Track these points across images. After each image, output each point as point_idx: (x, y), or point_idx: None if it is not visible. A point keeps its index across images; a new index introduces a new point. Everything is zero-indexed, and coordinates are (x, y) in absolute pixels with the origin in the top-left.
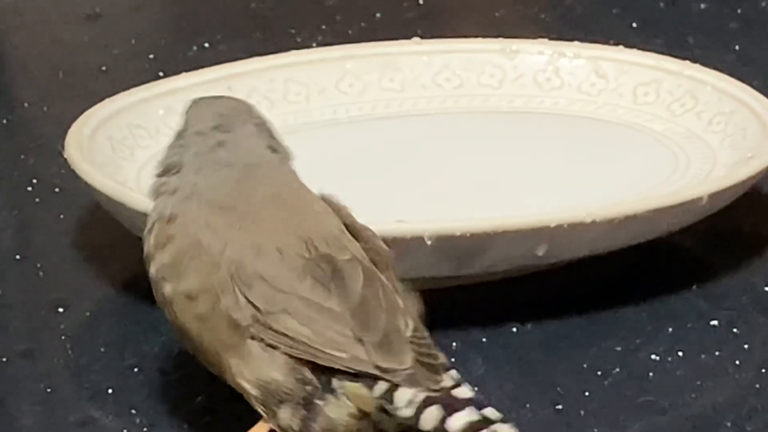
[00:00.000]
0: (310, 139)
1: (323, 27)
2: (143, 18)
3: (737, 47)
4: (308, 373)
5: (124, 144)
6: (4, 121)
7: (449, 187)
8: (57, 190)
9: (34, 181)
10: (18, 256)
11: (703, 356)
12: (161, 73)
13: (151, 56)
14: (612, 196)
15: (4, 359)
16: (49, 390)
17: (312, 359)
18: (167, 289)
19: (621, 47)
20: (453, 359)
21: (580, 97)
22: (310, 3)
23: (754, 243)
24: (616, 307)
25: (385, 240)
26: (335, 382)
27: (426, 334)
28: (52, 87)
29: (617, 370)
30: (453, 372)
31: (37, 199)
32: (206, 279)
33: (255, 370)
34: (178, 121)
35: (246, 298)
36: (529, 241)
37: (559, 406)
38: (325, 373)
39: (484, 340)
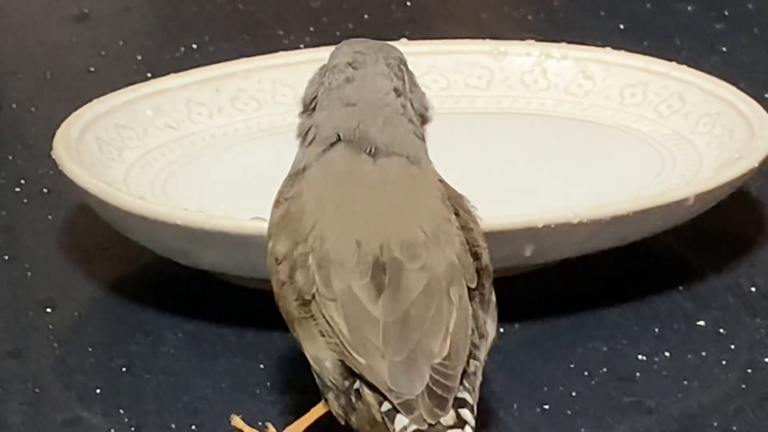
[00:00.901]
0: None
1: (311, 28)
2: (131, 19)
3: (724, 49)
4: (345, 368)
5: (112, 145)
6: None
7: None
8: (45, 190)
9: (22, 181)
10: (6, 257)
11: (689, 356)
12: (149, 74)
13: (139, 57)
14: (599, 197)
15: None
16: (37, 390)
17: (339, 356)
18: (268, 245)
19: (608, 49)
20: None
21: (567, 98)
22: (297, 4)
23: (741, 244)
24: (603, 307)
25: None
26: (358, 384)
27: (458, 364)
28: (39, 88)
29: (604, 370)
30: (465, 412)
31: (25, 200)
32: (292, 247)
33: (313, 348)
34: (165, 122)
35: (314, 274)
36: (516, 241)
37: (546, 406)
38: (355, 373)
39: None
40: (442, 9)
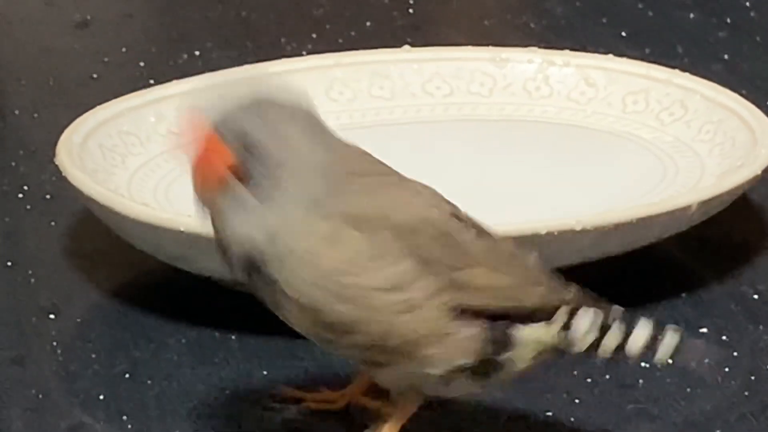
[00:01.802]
0: None
1: (313, 35)
2: (133, 26)
3: (726, 56)
4: (495, 331)
5: (115, 151)
6: None
7: None
8: (48, 197)
9: (25, 188)
10: (9, 263)
11: (692, 363)
12: (152, 81)
13: (142, 64)
14: (601, 205)
15: None
16: (40, 396)
17: (514, 307)
18: (351, 283)
19: (610, 56)
20: None
21: (570, 105)
22: (299, 11)
23: (743, 251)
24: None
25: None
26: (515, 333)
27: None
28: (42, 94)
29: (607, 377)
30: None
31: (27, 206)
32: (399, 264)
33: (449, 350)
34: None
35: (438, 263)
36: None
37: (549, 413)
38: (506, 327)
39: None
40: (444, 16)
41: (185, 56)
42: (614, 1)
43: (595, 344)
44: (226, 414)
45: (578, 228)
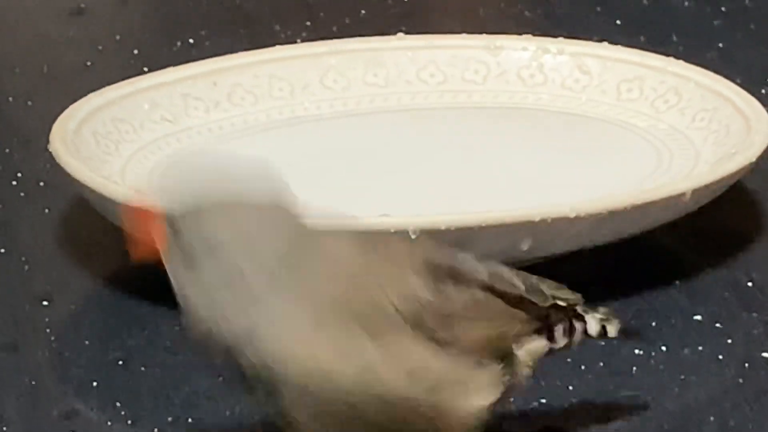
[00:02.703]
0: (295, 135)
1: (307, 23)
2: (128, 13)
3: (720, 45)
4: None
5: (108, 138)
6: None
7: (433, 182)
8: (41, 184)
9: (19, 175)
10: (2, 250)
11: (686, 351)
12: (146, 69)
13: (136, 52)
14: (595, 192)
15: None
16: (33, 383)
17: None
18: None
19: (605, 44)
20: None
21: (564, 93)
22: None
23: (737, 239)
24: (600, 302)
25: (370, 234)
26: (515, 348)
27: None
28: (36, 82)
29: (600, 364)
30: None
31: (21, 194)
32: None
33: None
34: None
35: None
36: (513, 235)
37: (543, 400)
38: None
39: None
40: (438, 3)
41: (179, 44)
42: None
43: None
44: (219, 401)
45: (572, 215)
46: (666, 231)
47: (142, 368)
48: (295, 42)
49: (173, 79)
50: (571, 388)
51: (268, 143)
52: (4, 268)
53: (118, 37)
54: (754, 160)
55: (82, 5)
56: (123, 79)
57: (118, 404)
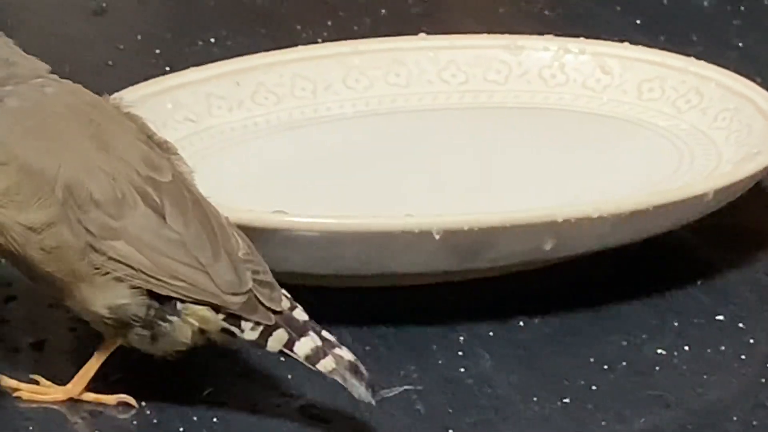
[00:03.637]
0: (317, 134)
1: (328, 23)
2: (149, 13)
3: (740, 44)
4: (150, 299)
5: None
6: None
7: (456, 182)
8: None
9: None
10: None
11: (708, 351)
12: (167, 68)
13: (157, 51)
14: (617, 192)
15: (15, 350)
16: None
17: (151, 288)
18: (2, 218)
19: (626, 44)
20: (460, 353)
21: (585, 92)
22: None
23: (759, 238)
24: (622, 301)
25: (393, 234)
26: (179, 305)
27: (254, 252)
28: None
29: (623, 364)
30: (284, 291)
31: None
32: (47, 209)
33: (104, 297)
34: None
35: (81, 224)
36: (537, 235)
37: (566, 400)
38: (170, 297)
39: (491, 334)
40: (458, 3)
41: (200, 43)
42: None
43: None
44: (244, 399)
45: (595, 215)
46: (688, 230)
47: (167, 366)
48: (316, 42)
49: (197, 79)
50: (594, 387)
51: (290, 142)
52: None
53: (139, 37)
54: None
55: (104, 5)
56: (145, 79)
57: (143, 403)
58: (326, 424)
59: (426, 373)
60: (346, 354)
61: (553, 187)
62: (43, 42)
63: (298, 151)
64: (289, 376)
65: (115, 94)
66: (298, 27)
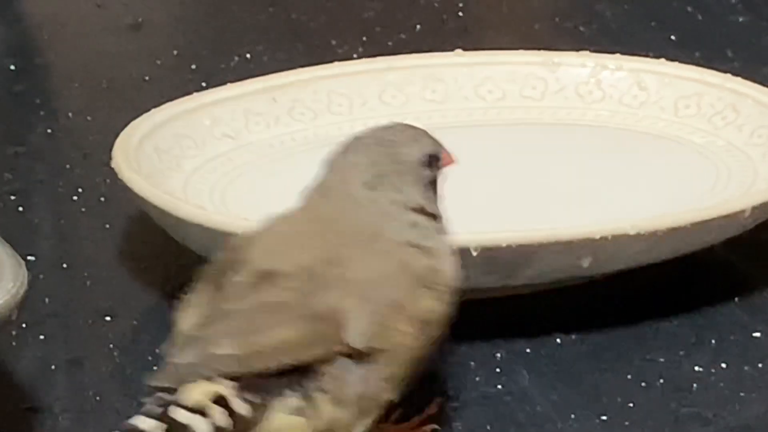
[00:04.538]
0: None
1: (363, 38)
2: (185, 28)
3: None
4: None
5: (170, 154)
6: (49, 131)
7: (491, 198)
8: (102, 199)
9: (80, 190)
10: (64, 265)
11: (746, 368)
12: (204, 84)
13: (194, 66)
14: (654, 209)
15: (53, 367)
16: (97, 398)
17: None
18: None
19: (663, 60)
20: (498, 370)
21: (622, 109)
22: (349, 14)
23: None
24: (660, 319)
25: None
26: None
27: None
28: (95, 97)
29: (661, 381)
30: None
31: (82, 209)
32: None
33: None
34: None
35: None
36: (574, 252)
37: (604, 417)
38: None
39: (528, 351)
40: (494, 19)
41: (236, 59)
42: (663, 4)
43: None
44: None
45: (632, 232)
46: (725, 247)
47: None
48: (352, 57)
49: (234, 95)
50: (631, 405)
51: None
52: (66, 283)
53: (175, 52)
54: None
55: (140, 20)
56: (181, 94)
57: None
58: None
59: (464, 390)
60: None
61: (589, 203)
62: (80, 57)
63: None
64: None
65: (154, 109)
66: (333, 42)
